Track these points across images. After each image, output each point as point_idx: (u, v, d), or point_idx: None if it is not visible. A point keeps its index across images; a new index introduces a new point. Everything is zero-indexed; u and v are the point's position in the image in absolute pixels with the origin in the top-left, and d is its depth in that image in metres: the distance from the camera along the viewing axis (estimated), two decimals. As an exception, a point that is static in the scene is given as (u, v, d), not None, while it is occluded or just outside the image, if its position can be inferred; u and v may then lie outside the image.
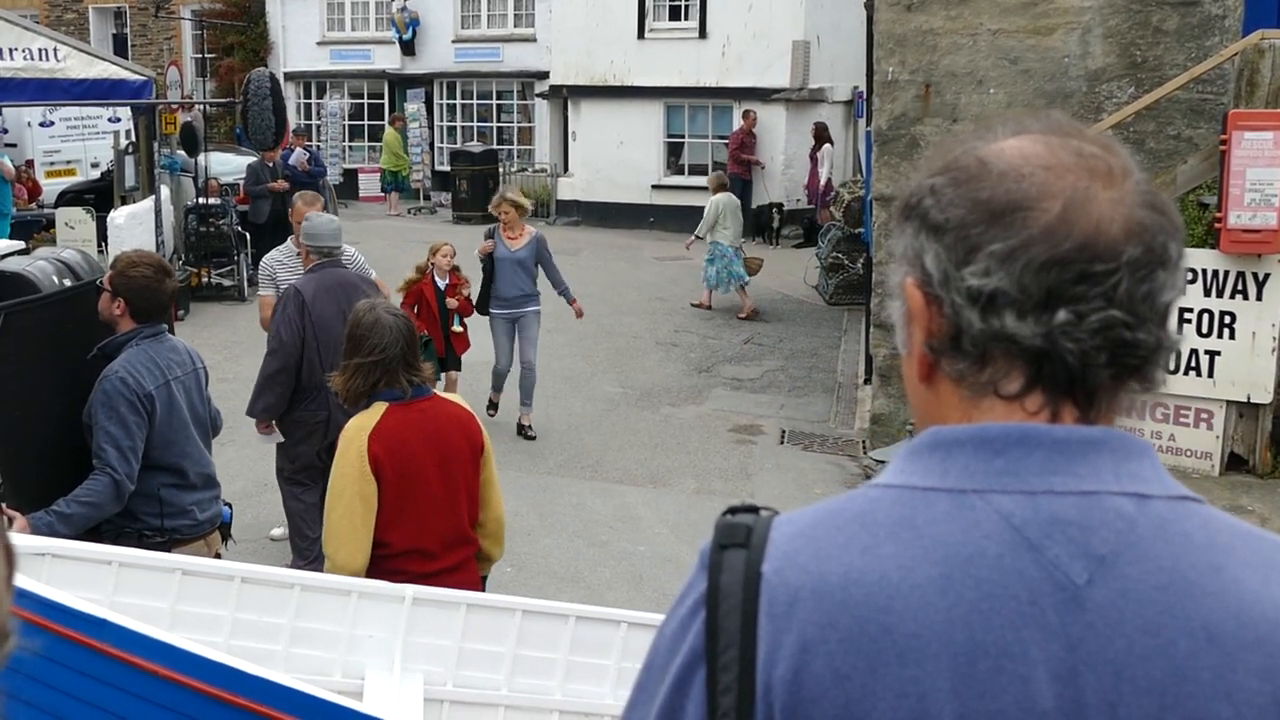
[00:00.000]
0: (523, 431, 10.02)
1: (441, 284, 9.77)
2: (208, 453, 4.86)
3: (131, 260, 4.61)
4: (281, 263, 7.55)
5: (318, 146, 24.09)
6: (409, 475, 4.09)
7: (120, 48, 29.00)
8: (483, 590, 4.28)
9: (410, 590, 3.71)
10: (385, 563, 4.05)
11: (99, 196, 15.85)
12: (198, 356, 4.87)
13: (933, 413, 1.19)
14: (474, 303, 9.98)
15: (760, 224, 20.81)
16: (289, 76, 27.38)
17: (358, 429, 4.11)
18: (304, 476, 6.45)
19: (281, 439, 6.60)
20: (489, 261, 9.92)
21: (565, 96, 23.10)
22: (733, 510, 1.19)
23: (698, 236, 15.21)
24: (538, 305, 10.10)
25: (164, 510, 4.59)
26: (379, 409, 4.15)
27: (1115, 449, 1.11)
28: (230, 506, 5.08)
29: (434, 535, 4.15)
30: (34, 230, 15.16)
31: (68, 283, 4.96)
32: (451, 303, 9.75)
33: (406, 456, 4.09)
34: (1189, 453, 8.38)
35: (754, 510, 1.18)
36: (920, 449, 1.16)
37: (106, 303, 4.55)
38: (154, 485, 4.55)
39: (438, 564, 4.13)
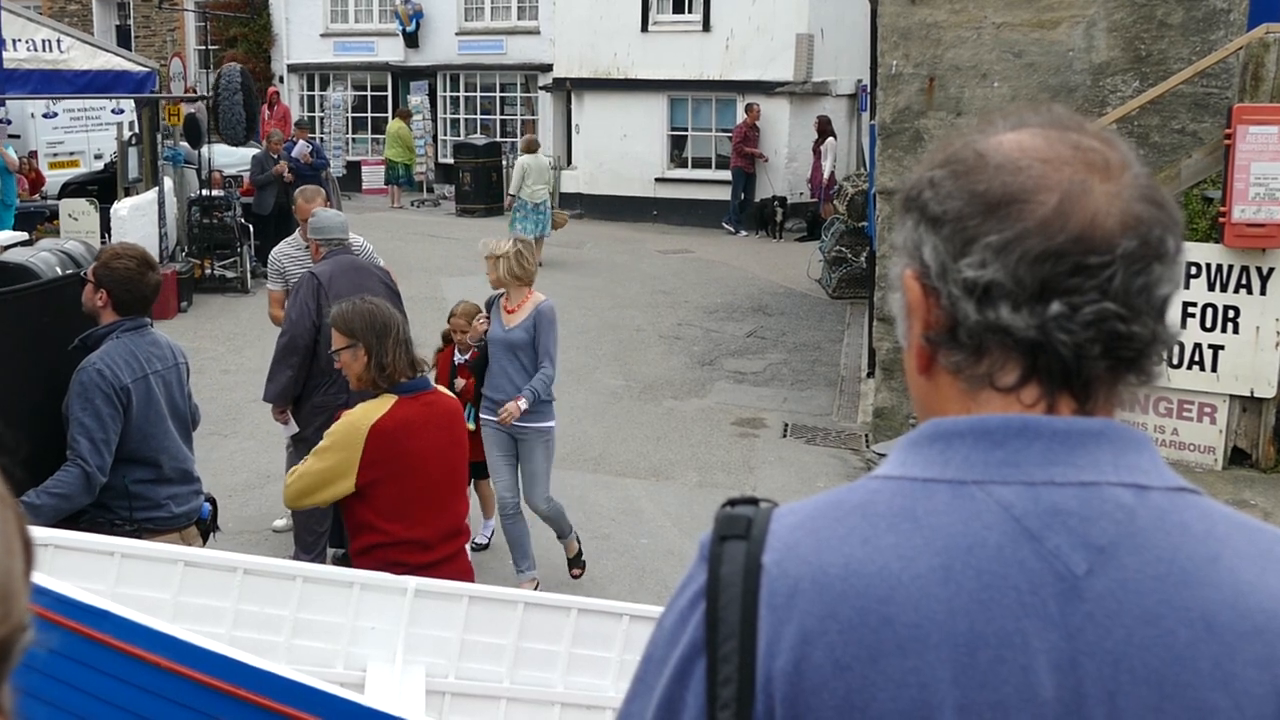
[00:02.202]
0: (572, 569, 7.04)
1: (458, 358, 7.37)
2: (187, 448, 4.81)
3: (115, 252, 4.57)
4: (290, 255, 7.51)
5: (321, 139, 24.07)
6: (411, 469, 4.11)
7: (123, 39, 28.97)
8: (471, 580, 4.30)
9: (412, 582, 3.72)
10: (383, 553, 4.06)
11: (102, 188, 15.80)
12: (180, 351, 4.82)
13: (932, 404, 1.19)
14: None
15: (763, 217, 20.80)
16: (292, 68, 27.37)
17: (364, 417, 4.12)
18: None
19: (297, 429, 6.56)
20: (482, 345, 6.84)
21: (569, 89, 23.07)
22: (732, 502, 1.19)
23: (512, 196, 17.01)
24: (548, 419, 6.60)
25: (133, 504, 4.54)
26: (387, 401, 4.17)
27: (1114, 440, 1.12)
28: (213, 503, 4.98)
29: (433, 527, 4.18)
30: (37, 221, 15.15)
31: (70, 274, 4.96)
32: (459, 383, 7.16)
33: (408, 451, 4.10)
34: (1192, 447, 8.37)
35: (754, 502, 1.18)
36: (920, 440, 1.16)
37: (89, 294, 4.53)
38: (127, 479, 4.50)
39: (434, 555, 4.17)
